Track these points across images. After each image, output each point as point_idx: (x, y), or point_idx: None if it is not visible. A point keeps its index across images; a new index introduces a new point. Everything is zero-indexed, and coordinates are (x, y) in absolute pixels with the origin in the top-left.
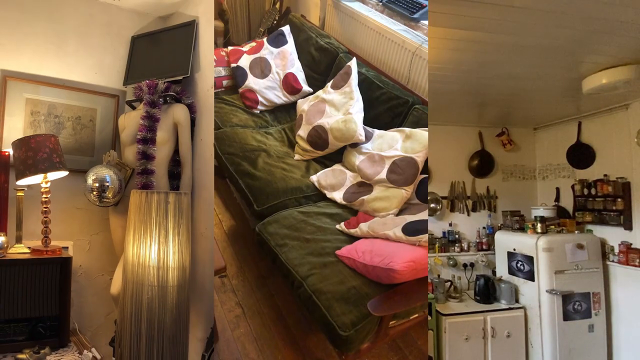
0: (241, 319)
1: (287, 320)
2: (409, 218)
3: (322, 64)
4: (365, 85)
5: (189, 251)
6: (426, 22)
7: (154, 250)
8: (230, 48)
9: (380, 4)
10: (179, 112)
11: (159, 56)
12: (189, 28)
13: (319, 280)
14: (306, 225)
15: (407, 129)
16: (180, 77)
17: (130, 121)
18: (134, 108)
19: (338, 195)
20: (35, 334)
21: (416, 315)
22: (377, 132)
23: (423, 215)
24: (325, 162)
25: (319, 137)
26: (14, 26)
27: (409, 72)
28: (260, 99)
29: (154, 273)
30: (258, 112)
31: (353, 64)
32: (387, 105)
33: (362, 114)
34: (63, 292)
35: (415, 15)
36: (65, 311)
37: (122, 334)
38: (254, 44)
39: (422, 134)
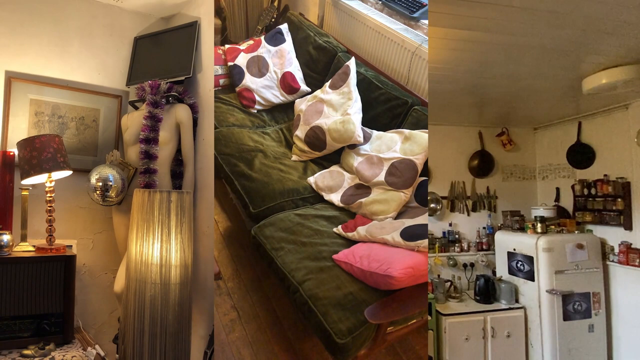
0: (236, 322)
1: (283, 323)
2: (407, 222)
3: (321, 63)
4: (363, 85)
5: (191, 249)
6: (426, 22)
7: (156, 248)
8: (227, 46)
9: (380, 2)
10: (181, 112)
11: (161, 57)
12: (191, 29)
13: (315, 286)
14: (303, 228)
15: (406, 131)
16: (183, 78)
17: (133, 121)
18: (136, 108)
19: (336, 198)
20: (40, 330)
21: (414, 321)
22: (375, 133)
23: (422, 219)
24: (323, 163)
25: (316, 137)
26: (17, 27)
27: (408, 72)
28: (257, 98)
29: (157, 271)
30: (255, 111)
31: (352, 63)
32: (386, 106)
33: (360, 115)
34: (67, 290)
35: (415, 15)
36: (70, 308)
37: (125, 331)
38: (251, 42)
39: (421, 136)
